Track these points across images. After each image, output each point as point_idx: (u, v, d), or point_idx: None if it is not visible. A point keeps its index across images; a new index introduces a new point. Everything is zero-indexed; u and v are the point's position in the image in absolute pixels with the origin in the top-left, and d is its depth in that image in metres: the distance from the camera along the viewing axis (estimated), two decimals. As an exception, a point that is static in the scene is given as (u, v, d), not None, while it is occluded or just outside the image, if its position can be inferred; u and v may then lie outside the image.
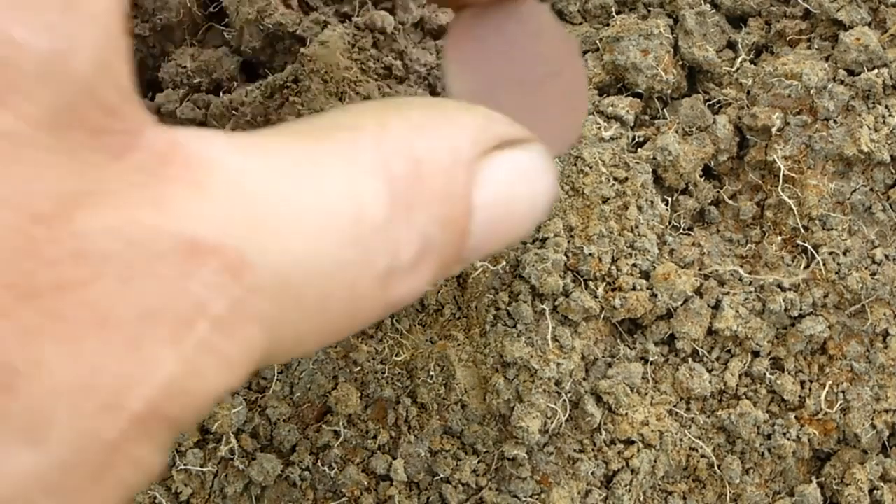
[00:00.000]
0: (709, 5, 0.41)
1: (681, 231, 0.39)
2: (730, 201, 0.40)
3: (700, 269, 0.38)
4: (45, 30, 0.15)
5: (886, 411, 0.37)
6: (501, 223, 0.25)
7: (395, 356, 0.38)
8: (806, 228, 0.38)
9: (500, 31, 0.34)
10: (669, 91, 0.40)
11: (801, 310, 0.38)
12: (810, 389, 0.38)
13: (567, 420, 0.36)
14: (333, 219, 0.19)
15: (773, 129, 0.38)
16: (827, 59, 0.40)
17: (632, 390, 0.37)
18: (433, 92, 0.38)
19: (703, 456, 0.37)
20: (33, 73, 0.14)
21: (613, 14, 0.42)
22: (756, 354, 0.38)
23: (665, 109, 0.41)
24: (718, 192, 0.40)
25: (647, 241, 0.37)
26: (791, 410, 0.38)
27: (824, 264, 0.37)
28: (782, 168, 0.38)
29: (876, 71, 0.38)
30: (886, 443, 0.38)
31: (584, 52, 0.42)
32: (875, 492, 0.37)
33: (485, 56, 0.33)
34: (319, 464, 0.38)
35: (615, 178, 0.38)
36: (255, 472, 0.38)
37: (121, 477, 0.16)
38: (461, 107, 0.25)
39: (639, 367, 0.37)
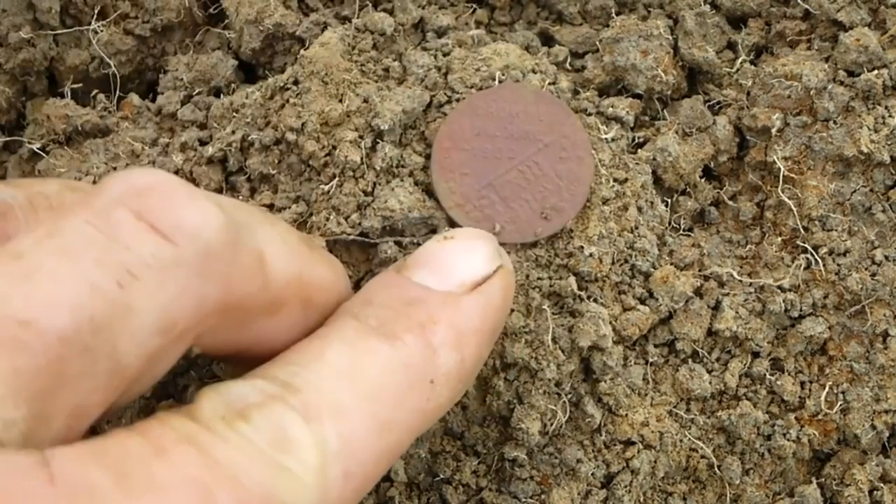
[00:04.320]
0: (709, 6, 0.41)
1: (681, 232, 0.39)
2: (730, 202, 0.40)
3: (700, 270, 0.38)
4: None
5: (886, 412, 0.37)
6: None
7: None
8: (806, 229, 0.38)
9: (491, 126, 0.36)
10: (669, 92, 0.40)
11: (801, 310, 0.38)
12: (810, 390, 0.38)
13: (567, 421, 0.36)
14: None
15: (773, 130, 0.39)
16: (827, 59, 0.40)
17: (632, 391, 0.37)
18: (431, 94, 0.38)
19: (703, 456, 0.37)
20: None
21: (613, 15, 0.42)
22: (756, 355, 0.38)
23: (665, 110, 0.41)
24: (718, 192, 0.40)
25: (647, 242, 0.37)
26: (791, 411, 0.38)
27: (824, 265, 0.38)
28: (782, 169, 0.38)
29: (876, 72, 0.38)
30: (886, 443, 0.38)
31: (584, 53, 0.42)
32: (875, 492, 0.37)
33: (475, 155, 0.36)
34: (320, 465, 0.38)
35: (615, 179, 0.38)
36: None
37: None
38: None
39: (639, 367, 0.37)
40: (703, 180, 0.40)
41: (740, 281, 0.38)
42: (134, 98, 0.43)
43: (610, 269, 0.37)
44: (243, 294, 0.23)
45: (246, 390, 0.22)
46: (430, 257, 0.29)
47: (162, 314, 0.21)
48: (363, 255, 0.36)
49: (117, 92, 0.43)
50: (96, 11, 0.43)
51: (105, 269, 0.20)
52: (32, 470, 0.17)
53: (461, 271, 0.28)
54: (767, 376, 0.37)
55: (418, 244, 0.36)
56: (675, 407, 0.37)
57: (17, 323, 0.19)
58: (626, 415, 0.37)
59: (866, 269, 0.38)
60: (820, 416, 0.37)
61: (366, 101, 0.37)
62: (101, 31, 0.43)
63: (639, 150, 0.39)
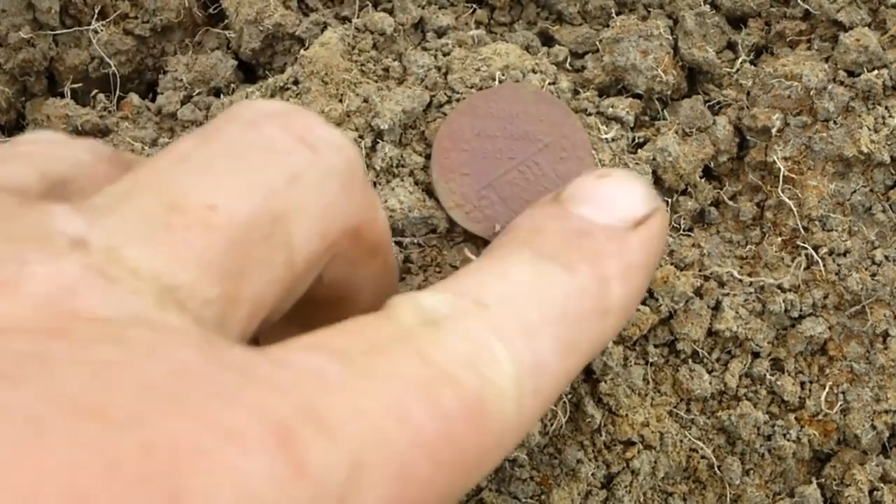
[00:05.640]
0: (709, 6, 0.41)
1: (681, 232, 0.39)
2: (730, 202, 0.40)
3: (700, 270, 0.38)
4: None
5: (886, 412, 0.37)
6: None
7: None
8: (806, 229, 0.38)
9: (491, 126, 0.36)
10: (669, 92, 0.40)
11: (801, 311, 0.38)
12: (810, 390, 0.38)
13: (567, 421, 0.36)
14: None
15: (773, 130, 0.39)
16: (827, 59, 0.40)
17: (632, 391, 0.37)
18: (431, 94, 0.38)
19: (703, 457, 0.37)
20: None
21: (613, 15, 0.42)
22: (756, 355, 0.38)
23: (665, 110, 0.41)
24: (718, 192, 0.40)
25: (647, 243, 0.37)
26: (791, 411, 0.38)
27: (824, 265, 0.37)
28: (782, 169, 0.38)
29: (876, 72, 0.38)
30: (886, 444, 0.38)
31: (584, 53, 0.42)
32: (875, 492, 0.37)
33: (475, 155, 0.36)
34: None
35: (615, 180, 0.38)
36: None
37: None
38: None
39: (639, 368, 0.37)
40: (703, 180, 0.40)
41: (740, 281, 0.38)
42: (134, 98, 0.43)
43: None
44: (366, 220, 0.24)
45: (438, 303, 0.22)
46: (591, 193, 0.29)
47: (322, 217, 0.22)
48: (363, 255, 0.36)
49: (117, 92, 0.43)
50: (96, 11, 0.43)
51: (272, 169, 0.21)
52: (257, 356, 0.17)
53: (624, 208, 0.28)
54: (767, 376, 0.37)
55: (419, 244, 0.36)
56: (675, 407, 0.37)
57: (205, 207, 0.19)
58: (627, 415, 0.37)
59: (866, 269, 0.38)
60: (820, 417, 0.37)
61: (366, 101, 0.37)
62: (101, 31, 0.43)
63: (639, 150, 0.39)
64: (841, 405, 0.37)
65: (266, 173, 0.21)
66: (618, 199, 0.28)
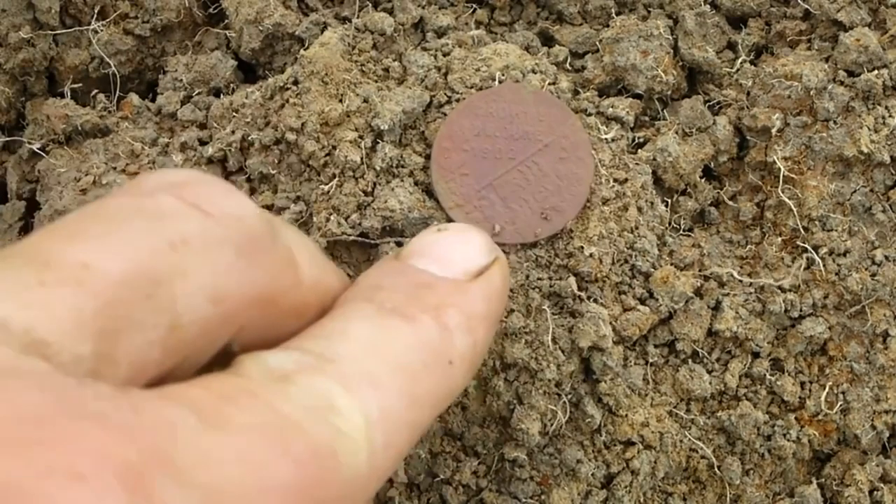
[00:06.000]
0: (709, 6, 0.41)
1: (681, 232, 0.39)
2: (730, 202, 0.40)
3: (700, 270, 0.38)
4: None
5: (886, 412, 0.37)
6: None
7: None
8: (806, 229, 0.38)
9: (491, 127, 0.36)
10: (669, 92, 0.40)
11: (801, 311, 0.38)
12: (810, 390, 0.38)
13: (567, 421, 0.36)
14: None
15: (773, 130, 0.38)
16: (827, 59, 0.40)
17: (632, 391, 0.37)
18: (431, 94, 0.38)
19: (703, 457, 0.37)
20: None
21: (613, 15, 0.42)
22: (756, 355, 0.38)
23: (665, 110, 0.41)
24: (718, 192, 0.40)
25: (647, 243, 0.37)
26: (791, 411, 0.38)
27: (824, 265, 0.37)
28: (782, 169, 0.38)
29: (876, 72, 0.38)
30: (886, 444, 0.38)
31: (584, 53, 0.42)
32: (875, 492, 0.37)
33: (475, 155, 0.36)
34: (320, 465, 0.38)
35: (615, 180, 0.38)
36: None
37: None
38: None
39: (639, 368, 0.37)
40: (703, 180, 0.40)
41: (740, 281, 0.38)
42: (134, 98, 0.43)
43: (610, 269, 0.37)
44: (280, 288, 0.24)
45: (283, 360, 0.22)
46: (430, 247, 0.29)
47: (213, 282, 0.21)
48: (363, 256, 0.36)
49: (117, 92, 0.43)
50: (96, 11, 0.43)
51: (156, 234, 0.21)
52: (116, 398, 0.18)
53: (463, 260, 0.29)
54: (767, 376, 0.37)
55: (418, 244, 0.36)
56: (675, 407, 0.37)
57: (77, 264, 0.19)
58: (626, 415, 0.37)
59: (866, 269, 0.38)
60: (820, 417, 0.37)
61: (366, 101, 0.37)
62: (101, 31, 0.43)
63: (639, 151, 0.39)
64: (841, 405, 0.37)
65: (148, 236, 0.21)
66: (456, 251, 0.29)
